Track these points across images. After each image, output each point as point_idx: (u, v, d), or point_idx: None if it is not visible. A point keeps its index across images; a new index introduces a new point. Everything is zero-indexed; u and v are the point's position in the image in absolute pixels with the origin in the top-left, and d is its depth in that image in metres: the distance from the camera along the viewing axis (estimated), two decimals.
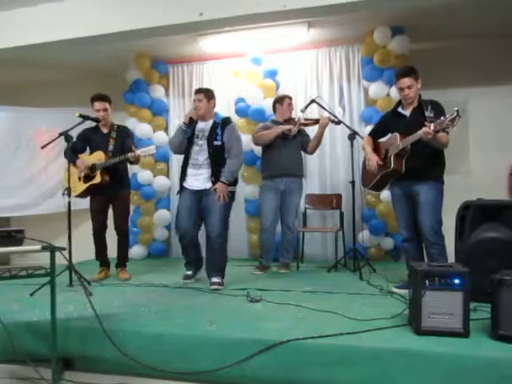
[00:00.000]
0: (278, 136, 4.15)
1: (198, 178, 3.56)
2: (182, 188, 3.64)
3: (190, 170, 3.59)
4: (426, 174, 3.13)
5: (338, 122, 4.14)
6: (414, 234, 3.26)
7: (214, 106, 3.69)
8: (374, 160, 3.34)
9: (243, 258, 5.06)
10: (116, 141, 3.95)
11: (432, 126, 2.86)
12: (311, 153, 4.38)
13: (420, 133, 2.96)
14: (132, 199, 4.74)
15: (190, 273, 3.77)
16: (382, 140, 3.49)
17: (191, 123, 3.58)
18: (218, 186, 3.47)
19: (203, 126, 3.59)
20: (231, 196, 3.59)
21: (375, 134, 3.53)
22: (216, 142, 3.51)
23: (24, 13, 4.34)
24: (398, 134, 3.17)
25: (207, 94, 3.58)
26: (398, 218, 3.35)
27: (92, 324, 2.47)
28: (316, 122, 4.20)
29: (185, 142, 3.60)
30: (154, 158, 5.09)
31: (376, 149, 3.44)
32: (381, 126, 3.51)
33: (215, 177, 3.50)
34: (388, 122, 3.42)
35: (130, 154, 3.73)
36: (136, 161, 3.84)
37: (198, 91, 3.61)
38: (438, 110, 3.10)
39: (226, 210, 3.56)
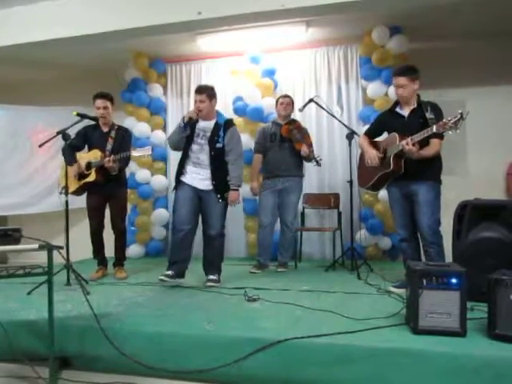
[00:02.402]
0: (274, 139, 4.23)
1: (197, 178, 3.50)
2: (179, 182, 3.55)
3: (189, 168, 3.52)
4: (424, 174, 3.13)
5: (317, 163, 4.13)
6: (412, 234, 3.27)
7: (216, 104, 3.60)
8: (374, 154, 3.31)
9: (241, 257, 5.07)
10: (115, 140, 3.94)
11: (435, 127, 2.88)
12: (306, 162, 4.38)
13: (403, 143, 3.00)
14: (129, 198, 4.73)
15: (170, 272, 3.45)
16: (379, 139, 3.48)
17: (190, 123, 3.47)
18: (232, 195, 3.49)
19: (205, 126, 3.52)
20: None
21: (371, 134, 3.51)
22: (218, 145, 3.47)
23: (22, 11, 4.34)
24: (396, 134, 3.15)
25: (209, 94, 3.46)
26: (396, 218, 3.35)
27: (89, 323, 2.47)
28: (301, 143, 4.12)
29: (184, 139, 3.51)
30: (152, 157, 5.08)
31: (373, 147, 3.41)
32: (377, 126, 3.49)
33: (216, 180, 3.48)
34: (385, 122, 3.41)
35: (105, 159, 3.72)
36: (111, 169, 3.76)
37: (200, 91, 3.45)
38: (438, 112, 3.10)
39: (225, 208, 3.58)
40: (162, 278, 3.42)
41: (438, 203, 3.16)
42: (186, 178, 3.53)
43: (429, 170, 3.13)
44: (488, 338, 2.19)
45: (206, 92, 3.45)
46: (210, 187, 3.49)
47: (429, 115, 3.05)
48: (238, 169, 3.54)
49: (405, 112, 3.25)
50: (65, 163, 3.76)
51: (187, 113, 3.53)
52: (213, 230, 3.51)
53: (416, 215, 3.17)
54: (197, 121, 3.51)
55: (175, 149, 3.65)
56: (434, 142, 3.07)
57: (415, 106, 3.20)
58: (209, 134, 3.49)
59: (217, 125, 3.52)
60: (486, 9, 4.10)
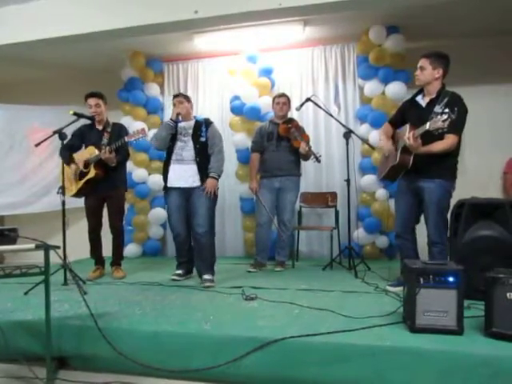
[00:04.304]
0: (271, 138, 4.26)
1: (183, 175, 3.62)
2: (166, 188, 3.73)
3: (172, 167, 3.67)
4: (432, 171, 3.00)
5: (317, 160, 4.08)
6: (408, 231, 3.22)
7: (192, 107, 3.88)
8: (387, 146, 3.22)
9: (239, 257, 5.07)
10: (111, 135, 3.93)
11: (428, 124, 2.79)
12: (304, 161, 4.39)
13: (404, 138, 2.92)
14: (127, 197, 4.72)
15: (180, 271, 3.79)
16: (398, 130, 3.28)
17: (178, 119, 3.67)
18: (209, 181, 3.57)
19: (186, 125, 3.72)
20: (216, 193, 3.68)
21: (393, 122, 3.35)
22: (202, 139, 3.67)
23: (16, 10, 4.32)
24: (408, 126, 3.00)
25: (187, 98, 3.78)
26: (397, 213, 3.31)
27: (87, 323, 2.47)
28: (299, 141, 4.12)
29: (169, 136, 3.68)
30: (149, 155, 5.06)
31: (393, 138, 3.29)
32: (398, 114, 3.32)
33: (202, 173, 3.60)
34: (404, 111, 3.24)
35: (102, 152, 3.72)
36: (109, 161, 3.76)
37: (179, 95, 3.80)
38: (453, 105, 2.88)
39: (213, 206, 3.67)
40: (173, 277, 3.72)
41: (445, 202, 3.04)
42: (171, 182, 3.68)
43: (437, 167, 2.99)
44: (485, 336, 2.19)
45: (183, 95, 3.81)
46: (197, 183, 3.60)
47: (437, 108, 2.87)
48: (219, 160, 3.66)
49: (424, 101, 3.09)
50: (62, 163, 3.75)
51: (173, 111, 3.72)
52: (201, 228, 3.56)
53: (423, 213, 3.11)
54: (179, 121, 3.72)
55: (160, 147, 3.75)
56: (448, 137, 2.92)
57: (434, 96, 3.01)
58: (191, 131, 3.70)
59: (197, 122, 3.75)
60: (482, 8, 4.11)
